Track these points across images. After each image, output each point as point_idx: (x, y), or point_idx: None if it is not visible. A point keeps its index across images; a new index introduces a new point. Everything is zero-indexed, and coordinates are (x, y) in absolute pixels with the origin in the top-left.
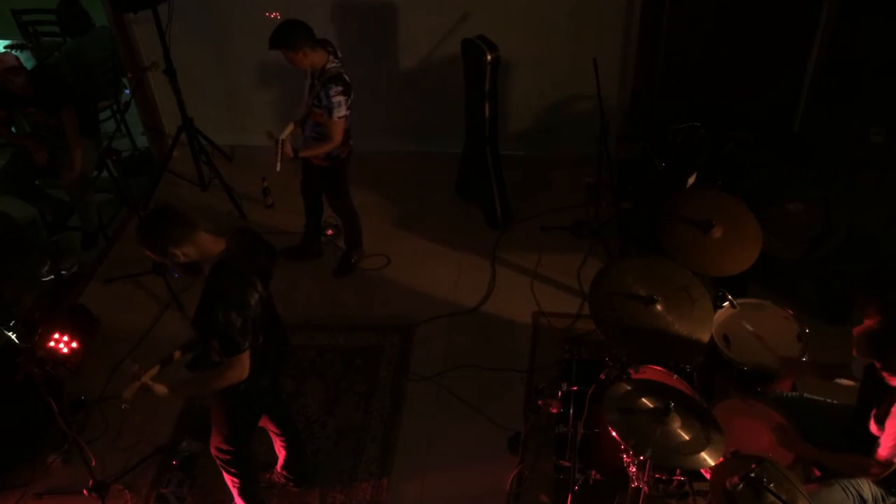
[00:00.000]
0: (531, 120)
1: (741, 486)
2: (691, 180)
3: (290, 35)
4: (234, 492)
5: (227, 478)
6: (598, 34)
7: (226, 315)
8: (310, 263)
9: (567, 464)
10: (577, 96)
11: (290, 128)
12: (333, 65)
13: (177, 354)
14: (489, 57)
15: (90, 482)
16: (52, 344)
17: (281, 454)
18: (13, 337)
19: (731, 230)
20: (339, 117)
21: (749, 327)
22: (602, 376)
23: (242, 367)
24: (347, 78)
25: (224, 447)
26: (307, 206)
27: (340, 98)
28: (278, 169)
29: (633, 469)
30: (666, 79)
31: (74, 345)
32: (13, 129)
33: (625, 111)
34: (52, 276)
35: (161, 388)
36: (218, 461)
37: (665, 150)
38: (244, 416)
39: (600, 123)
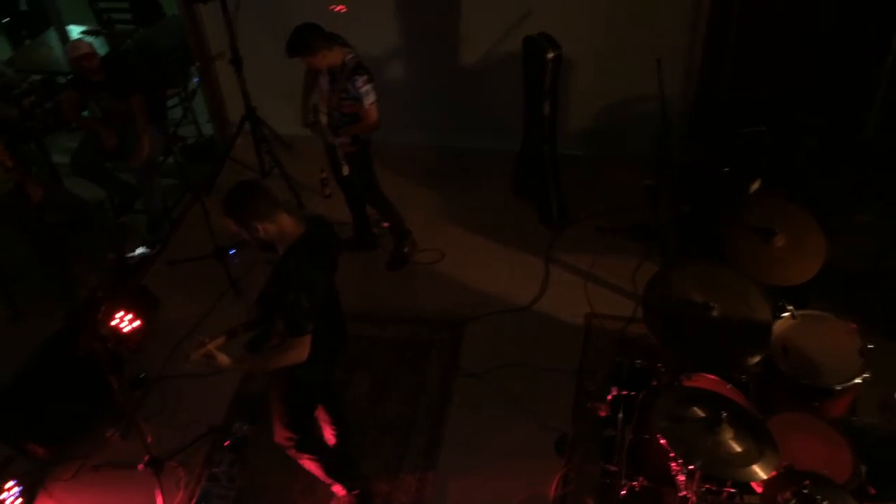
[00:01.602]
0: (591, 119)
1: (793, 501)
2: (755, 186)
3: (308, 40)
4: (321, 475)
5: (307, 464)
6: (663, 33)
7: (295, 296)
8: (364, 255)
9: (614, 468)
10: (640, 96)
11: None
12: (350, 56)
13: (239, 330)
14: (551, 54)
15: (146, 458)
16: (114, 322)
17: (330, 442)
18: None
19: (795, 239)
20: (371, 103)
21: (809, 340)
22: (653, 382)
23: (303, 348)
24: (367, 64)
25: (288, 434)
26: (346, 197)
27: (367, 87)
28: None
29: (681, 478)
30: (732, 81)
31: (136, 324)
32: (85, 113)
33: (688, 113)
34: (117, 257)
35: (223, 358)
36: (289, 451)
37: (728, 154)
38: (302, 402)
39: (662, 125)
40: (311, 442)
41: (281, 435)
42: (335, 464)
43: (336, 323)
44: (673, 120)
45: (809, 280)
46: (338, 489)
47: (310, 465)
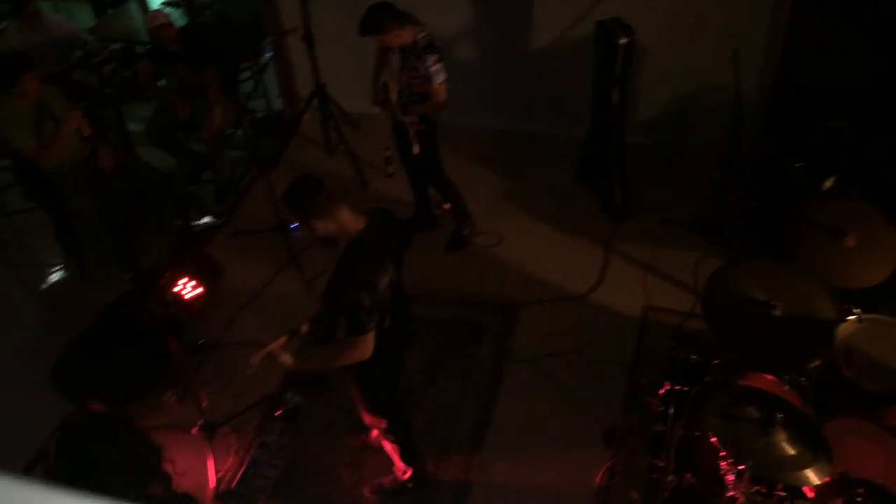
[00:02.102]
0: (661, 108)
1: None
2: (828, 184)
3: (382, 19)
4: (395, 458)
5: (387, 446)
6: (741, 23)
7: (355, 295)
8: (423, 235)
9: (662, 464)
10: (713, 87)
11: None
12: (421, 35)
13: (303, 328)
14: (623, 40)
15: (200, 422)
16: (178, 288)
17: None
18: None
19: (866, 240)
20: (440, 83)
21: (875, 346)
22: (708, 379)
23: (365, 347)
24: (438, 44)
25: (373, 419)
26: (410, 176)
27: (438, 66)
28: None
29: (730, 477)
30: (810, 74)
31: (199, 291)
32: (161, 82)
33: (762, 106)
34: (184, 225)
35: (287, 358)
36: (377, 431)
37: (802, 149)
38: (376, 392)
39: (734, 117)
40: (397, 429)
41: (367, 419)
42: (413, 451)
43: (401, 315)
44: (746, 112)
45: (880, 283)
46: (399, 469)
47: (389, 447)
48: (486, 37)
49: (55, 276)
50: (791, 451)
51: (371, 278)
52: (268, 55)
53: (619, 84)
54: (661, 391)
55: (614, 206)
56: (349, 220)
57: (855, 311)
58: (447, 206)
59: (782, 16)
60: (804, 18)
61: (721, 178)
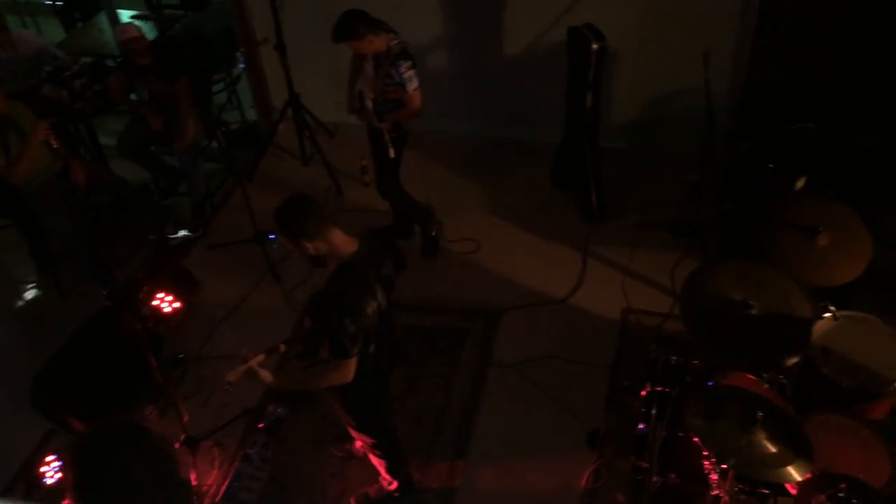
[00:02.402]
0: (634, 112)
1: None
2: (800, 184)
3: (355, 25)
4: (381, 470)
5: (373, 459)
6: (711, 27)
7: (339, 320)
8: (402, 243)
9: (646, 465)
10: (684, 90)
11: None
12: (395, 42)
13: (281, 347)
14: (595, 46)
15: (182, 436)
16: (155, 303)
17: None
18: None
19: (840, 239)
20: (415, 89)
21: (850, 342)
22: (688, 379)
23: (347, 371)
24: (410, 51)
25: (359, 435)
26: None
27: (411, 73)
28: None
29: (714, 476)
30: (781, 76)
31: (177, 305)
32: (133, 96)
33: (734, 108)
34: (160, 239)
35: (265, 374)
36: (363, 444)
37: (774, 151)
38: (361, 412)
39: (707, 119)
40: (383, 444)
41: (353, 434)
42: (399, 463)
43: (388, 340)
44: (718, 114)
45: (853, 281)
46: (385, 479)
47: (376, 461)
48: (458, 44)
49: (30, 294)
50: (772, 449)
51: (356, 304)
52: (240, 66)
53: (592, 89)
54: (643, 393)
55: (591, 210)
56: (341, 243)
57: (830, 308)
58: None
59: (751, 18)
60: (773, 21)
61: (696, 181)
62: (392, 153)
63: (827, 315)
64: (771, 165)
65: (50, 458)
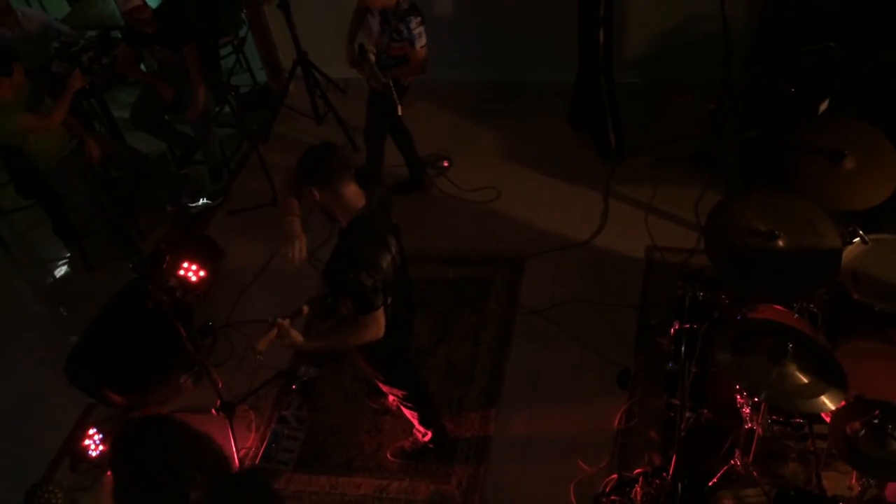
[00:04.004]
0: (649, 44)
1: (863, 431)
2: (823, 107)
3: None
4: (415, 422)
5: (406, 411)
6: None
7: (357, 275)
8: (420, 196)
9: (677, 402)
10: (699, 17)
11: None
12: None
13: (305, 309)
14: None
15: (217, 402)
16: (181, 272)
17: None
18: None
19: (866, 161)
20: (422, 46)
21: (882, 266)
22: (717, 314)
23: (378, 324)
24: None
25: (389, 388)
26: (395, 141)
27: (420, 29)
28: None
29: (747, 410)
30: None
31: (202, 273)
32: (142, 66)
33: (752, 32)
34: (179, 208)
35: (297, 335)
36: (395, 398)
37: (795, 74)
38: (388, 366)
39: (724, 46)
40: (414, 395)
41: (384, 388)
42: (431, 413)
43: (404, 292)
44: (735, 40)
45: (882, 203)
46: (419, 431)
47: (408, 413)
48: None
49: (60, 271)
50: (804, 380)
51: (372, 259)
52: (246, 28)
53: (603, 24)
54: (672, 330)
55: (610, 148)
56: (353, 198)
57: (859, 233)
58: (446, 163)
59: None
60: None
61: (715, 110)
62: (401, 110)
63: (856, 240)
64: (792, 89)
65: (91, 430)
